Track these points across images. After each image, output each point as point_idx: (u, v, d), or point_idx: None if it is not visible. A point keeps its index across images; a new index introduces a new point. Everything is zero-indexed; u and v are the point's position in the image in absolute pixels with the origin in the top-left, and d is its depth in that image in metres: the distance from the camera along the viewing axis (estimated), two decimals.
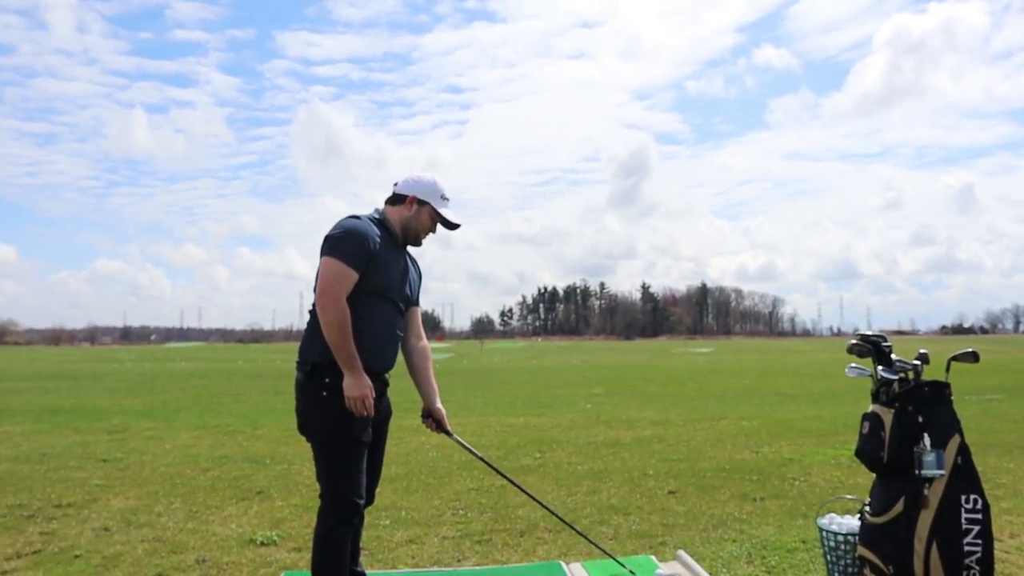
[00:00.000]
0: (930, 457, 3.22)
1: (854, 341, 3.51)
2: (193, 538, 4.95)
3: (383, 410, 3.34)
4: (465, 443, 3.62)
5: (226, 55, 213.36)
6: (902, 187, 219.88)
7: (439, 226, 3.38)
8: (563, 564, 4.22)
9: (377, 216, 3.30)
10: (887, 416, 3.34)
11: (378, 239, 3.17)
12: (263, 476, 7.05)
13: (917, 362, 3.40)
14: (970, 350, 3.52)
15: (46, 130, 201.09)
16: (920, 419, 3.28)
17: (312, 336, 3.15)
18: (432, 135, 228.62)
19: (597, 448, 8.54)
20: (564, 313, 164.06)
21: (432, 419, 3.56)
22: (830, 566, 3.90)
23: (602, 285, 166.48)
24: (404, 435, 9.94)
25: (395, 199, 3.35)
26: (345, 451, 3.08)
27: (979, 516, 3.21)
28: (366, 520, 5.35)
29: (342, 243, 3.11)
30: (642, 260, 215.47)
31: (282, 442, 9.10)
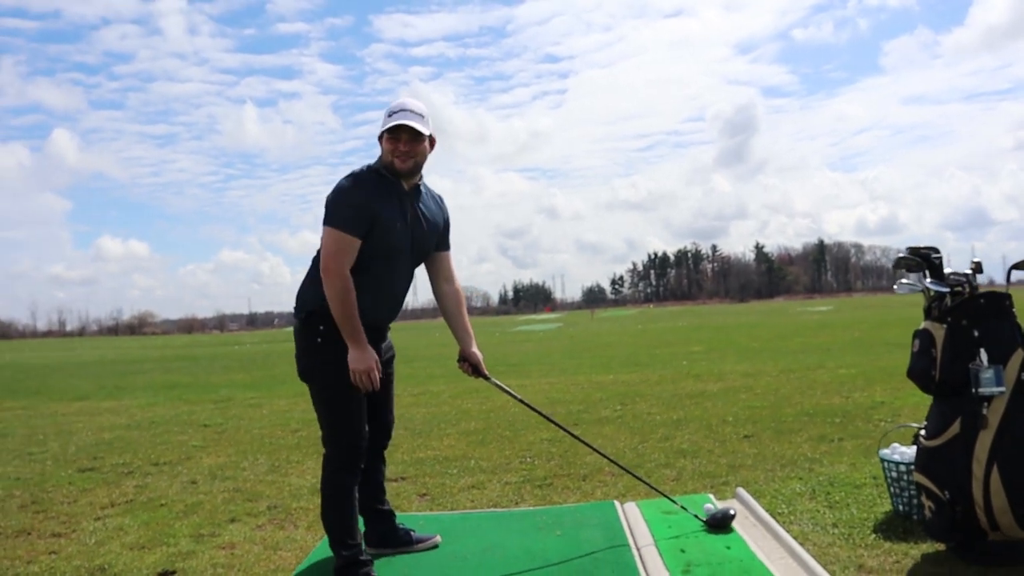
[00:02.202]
0: (988, 374, 2.99)
1: (902, 254, 3.27)
2: (270, 488, 5.17)
3: (384, 351, 3.34)
4: (504, 386, 3.57)
5: (327, 44, 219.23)
6: None
7: (400, 143, 3.06)
8: (617, 504, 4.15)
9: (375, 166, 3.16)
10: (939, 332, 3.11)
11: (376, 195, 3.06)
12: None
13: (970, 272, 3.14)
14: None
15: (166, 131, 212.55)
16: (976, 334, 3.04)
17: (309, 284, 3.16)
18: (532, 106, 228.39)
19: (681, 399, 8.38)
20: (676, 278, 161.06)
21: (468, 363, 3.50)
22: (894, 498, 3.70)
23: (714, 248, 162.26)
24: (491, 393, 10.06)
25: None
26: (343, 397, 3.07)
27: None
28: (435, 468, 5.51)
29: (339, 210, 3.02)
30: (755, 219, 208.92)
31: None
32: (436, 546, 3.60)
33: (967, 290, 3.14)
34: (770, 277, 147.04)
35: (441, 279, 3.49)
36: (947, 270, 3.22)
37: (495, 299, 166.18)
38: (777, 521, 3.62)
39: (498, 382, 3.55)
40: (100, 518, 4.62)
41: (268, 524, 4.34)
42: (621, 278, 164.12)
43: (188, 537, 4.12)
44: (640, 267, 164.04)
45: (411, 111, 3.08)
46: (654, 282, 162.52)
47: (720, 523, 3.54)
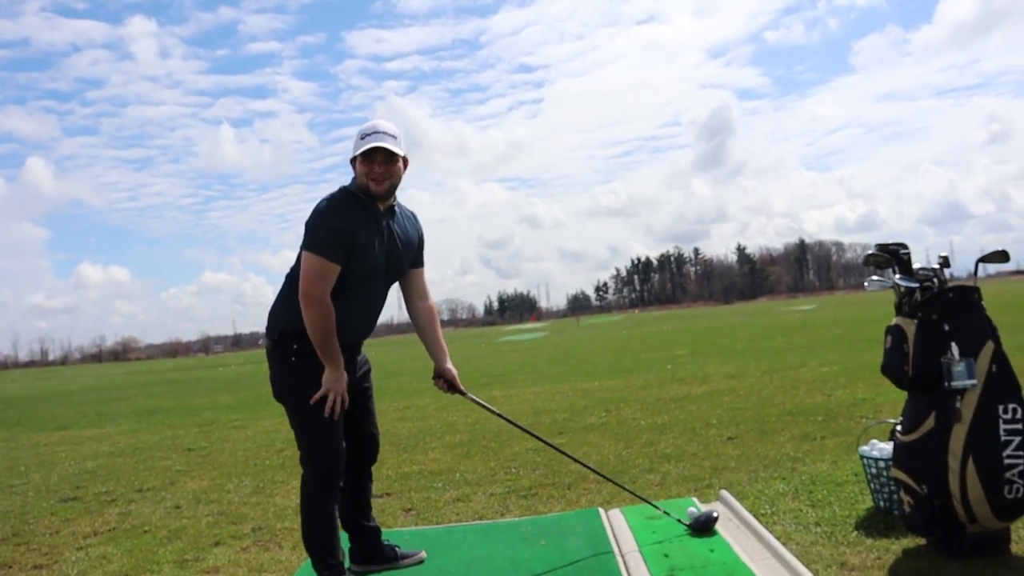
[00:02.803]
0: (959, 367, 3.02)
1: (871, 251, 3.31)
2: (255, 510, 5.13)
3: (359, 366, 3.34)
4: (480, 401, 3.58)
5: (300, 62, 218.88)
6: (1008, 117, 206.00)
7: (374, 165, 3.05)
8: (601, 511, 4.16)
9: (351, 188, 3.14)
10: (910, 327, 3.14)
11: (354, 218, 3.04)
12: None
13: (938, 267, 3.18)
14: (1000, 249, 3.27)
15: (142, 155, 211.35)
16: (946, 327, 3.08)
17: (281, 305, 3.16)
18: (509, 117, 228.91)
19: (665, 403, 8.40)
20: (660, 282, 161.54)
21: (443, 380, 3.50)
22: (874, 494, 3.73)
23: (696, 251, 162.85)
24: (475, 405, 10.04)
25: None
26: (320, 416, 3.04)
27: (1020, 426, 2.99)
28: (420, 483, 5.49)
29: (318, 235, 2.99)
30: (735, 221, 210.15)
31: None
32: (422, 561, 3.60)
33: (936, 284, 3.18)
34: (753, 278, 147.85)
35: (415, 296, 3.49)
36: (916, 265, 3.26)
37: (480, 310, 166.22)
38: (760, 522, 3.64)
39: (475, 397, 3.55)
40: (83, 547, 4.56)
41: (253, 546, 4.31)
42: (605, 285, 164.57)
43: (172, 563, 4.08)
44: (624, 273, 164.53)
45: (384, 132, 3.09)
46: (638, 287, 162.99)
47: (703, 526, 3.56)
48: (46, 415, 15.31)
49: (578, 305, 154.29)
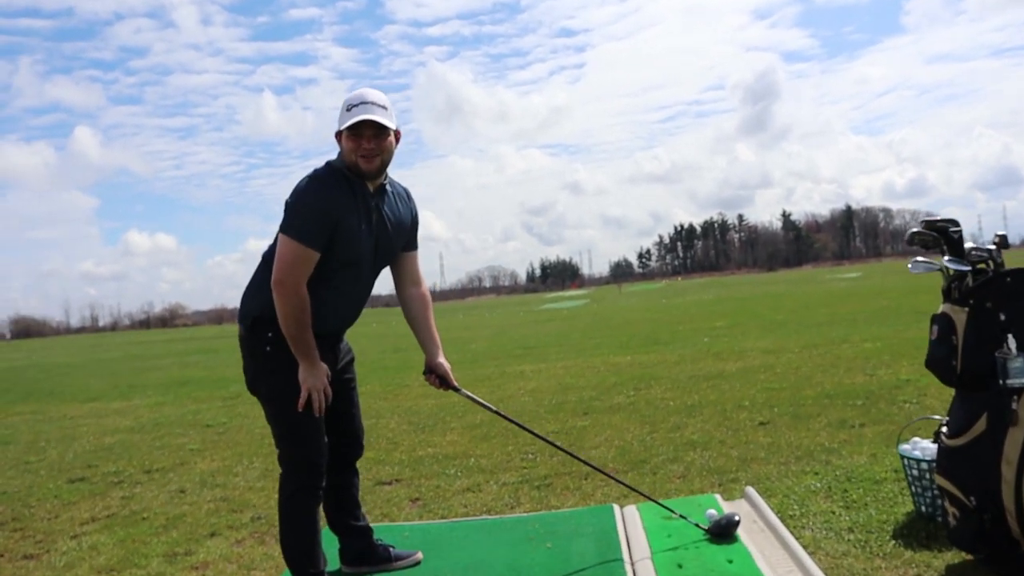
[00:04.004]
0: (1017, 363, 2.63)
1: (916, 229, 2.91)
2: (258, 496, 4.94)
3: (342, 355, 3.07)
4: (475, 397, 3.27)
5: (340, 28, 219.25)
6: None
7: (363, 140, 2.74)
8: (617, 507, 3.85)
9: (337, 164, 2.82)
10: (960, 316, 2.75)
11: (339, 199, 2.73)
12: None
13: (993, 247, 2.77)
14: None
15: (185, 123, 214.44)
16: (1002, 317, 2.68)
17: (255, 290, 2.87)
18: (550, 82, 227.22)
19: (697, 382, 8.03)
20: (703, 249, 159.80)
21: (435, 375, 3.18)
22: (916, 498, 3.36)
23: (740, 217, 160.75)
24: (503, 381, 9.81)
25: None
26: (296, 411, 2.77)
27: None
28: (433, 468, 5.24)
29: (298, 218, 2.70)
30: (780, 187, 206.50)
31: (380, 396, 9.13)
32: (418, 563, 3.33)
33: (991, 267, 2.78)
34: (798, 245, 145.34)
35: (407, 282, 3.18)
36: (968, 245, 2.85)
37: (522, 277, 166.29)
38: (787, 526, 3.30)
39: (469, 394, 3.24)
40: (77, 536, 4.40)
41: (248, 538, 4.10)
42: (648, 251, 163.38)
43: (161, 557, 3.89)
44: (667, 240, 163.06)
45: (373, 103, 2.75)
46: (681, 254, 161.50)
47: (723, 531, 3.23)
48: (79, 385, 15.46)
49: (620, 272, 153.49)
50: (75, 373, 20.09)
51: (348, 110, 2.75)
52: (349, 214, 2.76)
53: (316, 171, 2.82)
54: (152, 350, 31.64)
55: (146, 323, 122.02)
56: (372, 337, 22.45)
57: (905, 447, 3.43)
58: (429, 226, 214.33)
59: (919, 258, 3.02)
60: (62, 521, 4.75)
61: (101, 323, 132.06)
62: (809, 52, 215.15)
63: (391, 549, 3.33)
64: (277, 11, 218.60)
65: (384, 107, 2.78)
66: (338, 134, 2.79)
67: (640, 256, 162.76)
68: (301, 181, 2.79)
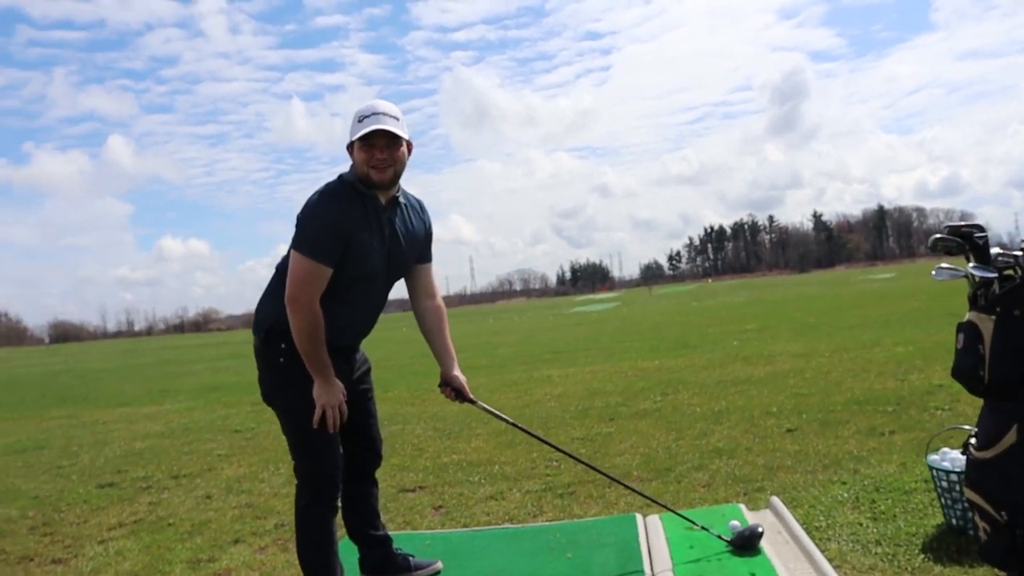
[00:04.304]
0: None
1: (939, 235, 2.83)
2: (283, 503, 4.95)
3: (358, 365, 3.07)
4: (492, 409, 3.25)
5: (366, 34, 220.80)
6: None
7: (375, 151, 2.72)
8: (639, 517, 3.81)
9: (349, 177, 2.81)
10: (986, 325, 2.67)
11: (350, 214, 2.72)
12: None
13: (1020, 253, 2.69)
14: None
15: (216, 131, 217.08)
16: None
17: (269, 299, 2.87)
18: (577, 85, 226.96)
19: (725, 387, 7.95)
20: (734, 251, 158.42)
21: (450, 388, 3.17)
22: (946, 509, 3.28)
23: (771, 218, 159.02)
24: (530, 386, 9.77)
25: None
26: (310, 423, 2.76)
27: None
28: (456, 476, 5.23)
29: (309, 234, 2.69)
30: (810, 188, 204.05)
31: (407, 402, 9.14)
32: (437, 572, 3.32)
33: (1018, 274, 2.70)
34: (830, 246, 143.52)
35: (422, 294, 3.16)
36: (994, 250, 2.77)
37: (552, 280, 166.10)
38: (812, 538, 3.24)
39: (486, 406, 3.22)
40: (104, 541, 4.46)
41: (271, 545, 4.12)
42: (678, 253, 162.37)
43: (185, 563, 3.92)
44: (697, 241, 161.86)
45: (385, 114, 2.73)
46: (712, 256, 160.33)
47: (746, 543, 3.17)
48: (113, 390, 15.70)
49: (651, 274, 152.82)
50: (109, 378, 20.42)
51: (360, 121, 2.74)
52: (361, 228, 2.75)
53: (327, 185, 2.81)
54: (185, 355, 32.06)
55: (180, 327, 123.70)
56: (400, 342, 22.51)
57: (934, 457, 3.35)
58: (459, 230, 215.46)
59: (943, 264, 2.94)
60: (90, 526, 4.82)
61: (137, 328, 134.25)
62: (836, 51, 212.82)
63: (410, 558, 3.32)
64: (304, 19, 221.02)
65: (396, 118, 2.77)
66: (350, 146, 2.78)
67: (670, 258, 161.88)
68: (312, 196, 2.77)
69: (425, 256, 3.13)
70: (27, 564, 4.18)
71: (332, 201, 2.74)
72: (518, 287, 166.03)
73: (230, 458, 6.68)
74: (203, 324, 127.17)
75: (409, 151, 2.86)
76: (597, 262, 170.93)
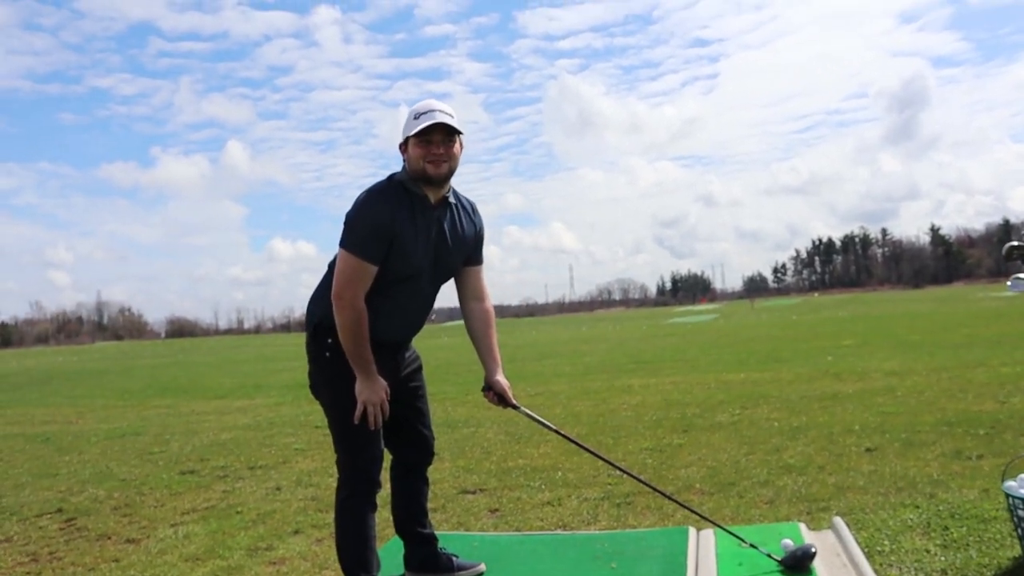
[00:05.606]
0: None
1: (1014, 243, 2.63)
2: None
3: (408, 362, 3.07)
4: (534, 415, 3.19)
5: (473, 43, 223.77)
6: None
7: (432, 146, 2.73)
8: (692, 530, 3.69)
9: (400, 177, 2.83)
10: None
11: (398, 213, 2.74)
12: (445, 440, 7.10)
13: None
14: None
15: (326, 137, 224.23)
16: None
17: (319, 296, 2.92)
18: (683, 93, 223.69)
19: (808, 402, 7.63)
20: (843, 264, 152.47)
21: (493, 392, 3.13)
22: (1022, 541, 3.03)
23: (884, 231, 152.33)
24: (608, 395, 9.67)
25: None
26: (352, 417, 2.79)
27: None
28: (518, 480, 5.20)
29: (356, 233, 2.72)
30: (928, 200, 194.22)
31: (484, 406, 9.13)
32: (479, 575, 3.30)
33: None
34: (948, 261, 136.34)
35: (470, 296, 3.14)
36: None
37: (652, 290, 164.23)
38: (872, 562, 3.06)
39: (529, 412, 3.17)
40: (176, 524, 4.66)
41: (328, 538, 4.18)
42: (784, 266, 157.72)
43: (244, 550, 4.04)
44: (804, 254, 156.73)
45: (440, 111, 2.75)
46: (819, 269, 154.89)
47: (798, 563, 3.02)
48: (212, 384, 16.45)
49: (754, 287, 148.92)
50: (210, 372, 21.38)
51: (416, 118, 2.76)
52: (407, 227, 2.76)
53: (376, 185, 2.83)
54: (284, 352, 33.20)
55: (286, 327, 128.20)
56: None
57: (1011, 484, 3.11)
58: (559, 238, 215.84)
59: (1021, 275, 2.74)
60: (166, 510, 5.04)
61: (246, 325, 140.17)
62: (961, 56, 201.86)
63: (454, 559, 3.31)
64: (413, 28, 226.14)
65: (451, 115, 2.78)
66: (403, 145, 2.81)
67: (775, 271, 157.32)
68: (360, 195, 2.81)
69: (475, 258, 3.11)
70: (104, 542, 4.40)
71: (379, 200, 2.77)
72: (617, 296, 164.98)
73: (305, 452, 6.86)
74: None
75: (461, 149, 2.87)
76: (699, 273, 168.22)
